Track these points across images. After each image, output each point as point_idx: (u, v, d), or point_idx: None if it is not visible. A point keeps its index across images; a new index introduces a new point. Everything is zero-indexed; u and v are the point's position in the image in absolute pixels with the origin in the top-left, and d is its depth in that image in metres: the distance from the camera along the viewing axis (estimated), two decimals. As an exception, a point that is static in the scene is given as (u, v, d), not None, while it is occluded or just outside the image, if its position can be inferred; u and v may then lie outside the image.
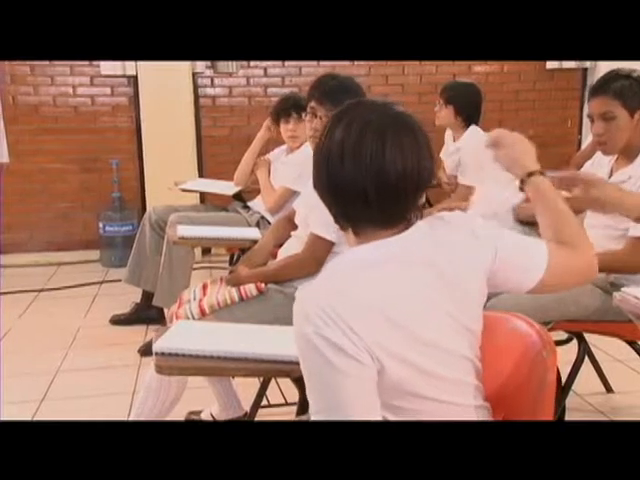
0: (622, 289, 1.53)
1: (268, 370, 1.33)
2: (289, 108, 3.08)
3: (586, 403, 2.53)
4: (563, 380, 2.16)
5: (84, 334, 3.22)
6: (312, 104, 2.02)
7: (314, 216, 2.04)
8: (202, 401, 2.30)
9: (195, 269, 3.92)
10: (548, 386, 1.10)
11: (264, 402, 1.99)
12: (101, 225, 4.42)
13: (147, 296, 3.24)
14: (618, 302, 1.49)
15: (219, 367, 1.30)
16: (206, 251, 4.58)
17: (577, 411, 2.45)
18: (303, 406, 1.43)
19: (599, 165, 2.27)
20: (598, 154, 2.29)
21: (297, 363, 1.27)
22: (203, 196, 4.26)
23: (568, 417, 2.26)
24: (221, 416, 2.25)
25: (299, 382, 1.36)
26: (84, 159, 4.53)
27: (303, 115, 2.40)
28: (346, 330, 1.01)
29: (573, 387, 2.53)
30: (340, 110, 1.14)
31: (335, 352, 1.00)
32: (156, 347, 1.32)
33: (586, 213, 2.34)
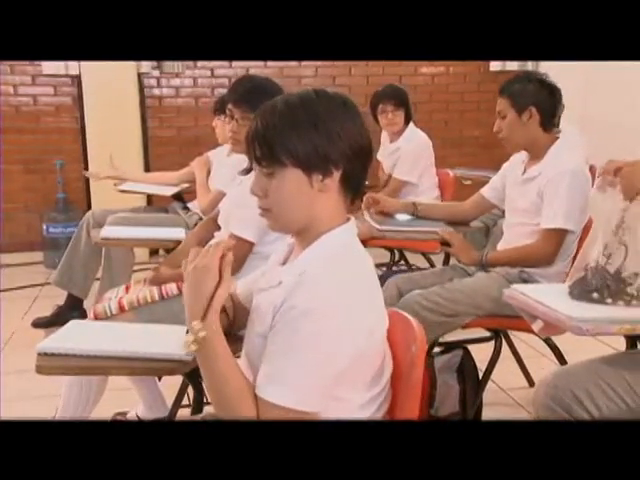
0: (512, 285, 1.59)
1: (152, 368, 1.35)
2: (216, 109, 3.26)
3: (508, 397, 2.60)
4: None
5: (19, 336, 3.18)
6: (229, 106, 2.04)
7: (235, 216, 2.06)
8: (132, 402, 2.30)
9: (142, 270, 3.92)
10: (412, 383, 1.12)
11: (186, 402, 2.01)
12: (45, 226, 4.37)
13: (72, 299, 3.23)
14: (507, 298, 1.54)
15: (101, 366, 1.31)
16: (154, 252, 4.56)
17: (499, 405, 2.52)
18: (199, 405, 1.45)
19: (515, 165, 2.35)
20: (514, 156, 2.38)
21: (183, 361, 1.29)
22: (150, 197, 4.25)
23: (490, 411, 2.32)
24: (146, 416, 2.26)
25: (192, 380, 1.38)
26: (27, 159, 4.49)
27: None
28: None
29: (498, 382, 2.61)
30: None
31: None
32: (39, 347, 1.33)
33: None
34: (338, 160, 1.13)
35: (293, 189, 1.13)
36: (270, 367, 1.08)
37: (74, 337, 1.39)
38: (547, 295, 1.46)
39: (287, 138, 1.11)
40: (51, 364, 1.29)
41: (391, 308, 1.27)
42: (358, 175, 1.17)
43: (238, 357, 1.23)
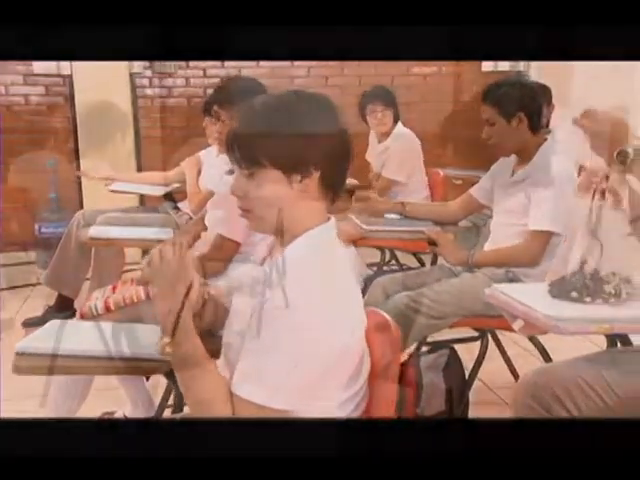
0: (493, 285, 1.60)
1: (132, 367, 1.36)
2: (205, 109, 3.20)
3: (495, 396, 2.61)
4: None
5: (9, 336, 3.18)
6: (215, 107, 2.05)
7: (221, 216, 2.07)
8: (122, 402, 2.30)
9: (133, 269, 3.92)
10: (389, 382, 1.12)
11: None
12: (37, 226, 4.37)
13: (62, 299, 3.23)
14: (488, 298, 1.55)
15: (80, 366, 1.31)
16: (146, 252, 4.56)
17: (487, 404, 2.52)
18: (180, 403, 1.45)
19: (504, 166, 2.36)
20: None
21: (164, 361, 1.29)
22: (143, 197, 4.25)
23: (477, 410, 2.32)
24: (134, 416, 2.25)
25: (172, 379, 1.38)
26: (20, 159, 4.47)
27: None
28: None
29: (486, 381, 2.62)
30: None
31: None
32: (17, 347, 1.33)
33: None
34: (317, 160, 1.13)
35: (273, 190, 1.14)
36: (246, 365, 1.09)
37: (52, 337, 1.39)
38: (527, 294, 1.46)
39: (265, 139, 1.12)
40: (29, 364, 1.30)
41: (369, 307, 1.27)
42: (338, 175, 1.18)
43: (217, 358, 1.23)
